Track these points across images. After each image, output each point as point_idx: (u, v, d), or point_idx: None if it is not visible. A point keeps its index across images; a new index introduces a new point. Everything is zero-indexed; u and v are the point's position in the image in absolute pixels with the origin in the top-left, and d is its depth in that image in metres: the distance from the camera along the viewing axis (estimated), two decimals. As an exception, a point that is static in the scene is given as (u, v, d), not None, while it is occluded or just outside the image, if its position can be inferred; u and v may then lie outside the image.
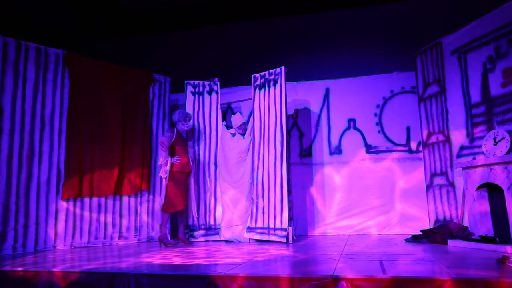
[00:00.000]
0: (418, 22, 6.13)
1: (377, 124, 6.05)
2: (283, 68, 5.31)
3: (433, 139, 5.29)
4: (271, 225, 5.08)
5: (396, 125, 5.96)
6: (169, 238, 5.28)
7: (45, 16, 6.76)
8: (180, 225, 5.36)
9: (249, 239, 5.27)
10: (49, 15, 6.80)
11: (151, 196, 5.85)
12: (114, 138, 5.54)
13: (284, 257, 3.70)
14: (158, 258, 3.84)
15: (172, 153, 5.27)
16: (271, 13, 6.91)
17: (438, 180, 5.18)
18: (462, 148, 4.86)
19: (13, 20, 6.35)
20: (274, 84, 5.38)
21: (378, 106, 6.07)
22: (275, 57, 6.32)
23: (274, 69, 5.40)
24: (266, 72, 5.50)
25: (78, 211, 5.21)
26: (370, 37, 6.42)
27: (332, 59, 6.57)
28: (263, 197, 5.26)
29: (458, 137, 4.91)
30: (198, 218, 5.58)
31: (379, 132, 6.02)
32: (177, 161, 5.19)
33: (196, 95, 5.90)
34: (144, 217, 5.79)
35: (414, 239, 4.68)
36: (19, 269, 3.29)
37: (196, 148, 5.74)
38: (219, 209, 5.62)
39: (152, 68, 6.25)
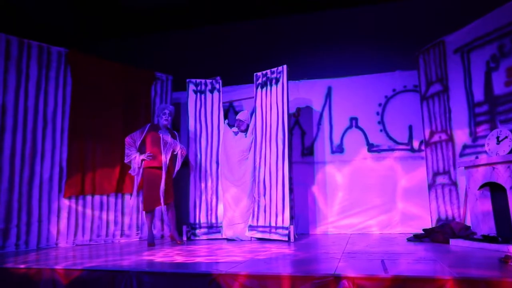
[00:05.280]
0: (421, 21, 6.09)
1: (379, 122, 6.03)
2: (285, 66, 5.29)
3: (436, 138, 5.28)
4: (273, 224, 5.08)
5: (398, 124, 5.94)
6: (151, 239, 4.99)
7: (47, 15, 6.76)
8: (170, 223, 5.14)
9: (251, 237, 5.28)
10: (51, 14, 6.80)
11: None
12: (116, 136, 5.53)
13: (286, 256, 3.69)
14: (159, 256, 3.83)
15: (143, 150, 5.06)
16: (273, 12, 6.89)
17: (441, 179, 5.17)
18: (465, 147, 4.85)
19: (15, 19, 6.35)
20: (276, 83, 5.37)
21: (380, 104, 6.05)
22: (277, 55, 6.27)
23: (276, 68, 5.39)
24: (268, 71, 5.49)
25: (80, 208, 5.22)
26: (372, 36, 6.39)
27: (334, 57, 6.54)
28: (264, 195, 5.26)
29: (461, 136, 4.89)
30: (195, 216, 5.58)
31: (381, 131, 6.00)
32: (149, 158, 4.95)
33: (198, 94, 5.89)
34: (146, 215, 5.78)
35: (416, 238, 4.66)
36: (22, 266, 3.30)
37: (198, 146, 5.74)
38: (220, 208, 5.62)
39: (154, 67, 6.25)
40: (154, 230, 5.79)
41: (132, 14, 7.05)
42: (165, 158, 4.98)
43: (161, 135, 5.02)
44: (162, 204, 4.90)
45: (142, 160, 4.99)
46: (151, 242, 4.91)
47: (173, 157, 5.16)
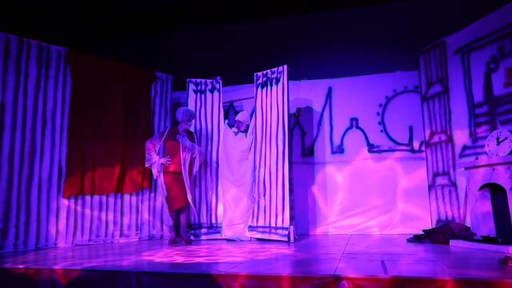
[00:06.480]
0: (422, 21, 6.08)
1: (379, 123, 6.02)
2: (285, 66, 5.28)
3: (436, 138, 5.28)
4: (273, 224, 5.07)
5: (399, 124, 5.93)
6: (173, 237, 5.17)
7: (48, 15, 6.74)
8: (181, 223, 5.29)
9: (251, 238, 5.26)
10: (51, 14, 6.78)
11: (152, 194, 5.85)
12: (115, 136, 5.53)
13: (286, 256, 3.69)
14: (159, 256, 3.83)
15: (162, 154, 5.28)
16: (273, 12, 6.87)
17: (441, 180, 5.17)
18: (464, 148, 4.85)
19: (16, 19, 6.33)
20: (277, 83, 5.36)
21: (380, 105, 6.04)
22: (278, 55, 6.26)
23: (277, 68, 5.38)
24: (269, 71, 5.48)
25: (79, 208, 5.21)
26: (373, 36, 6.37)
27: (334, 58, 6.53)
28: (264, 195, 5.25)
29: (461, 137, 4.90)
30: (198, 216, 5.57)
31: (381, 131, 5.99)
32: (168, 162, 5.08)
33: (198, 93, 5.88)
34: (145, 215, 5.78)
35: (416, 239, 4.66)
36: (21, 266, 3.28)
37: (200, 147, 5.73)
38: (220, 208, 5.61)
39: (154, 66, 6.24)
40: (154, 230, 5.83)
41: (132, 13, 7.03)
42: (184, 162, 5.09)
43: (180, 140, 5.10)
44: (190, 199, 5.07)
45: (162, 164, 5.11)
46: (173, 240, 5.04)
47: (192, 159, 5.26)
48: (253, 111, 5.67)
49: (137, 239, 5.66)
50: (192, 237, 5.46)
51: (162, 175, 5.14)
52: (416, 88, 5.86)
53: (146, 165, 5.18)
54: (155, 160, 5.11)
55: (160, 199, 5.72)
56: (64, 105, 5.18)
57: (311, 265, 3.24)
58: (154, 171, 5.14)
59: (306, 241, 5.06)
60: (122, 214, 5.60)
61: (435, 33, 5.31)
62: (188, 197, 5.07)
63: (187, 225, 5.45)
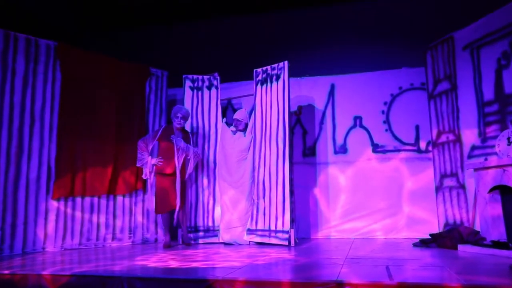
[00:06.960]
0: (429, 16, 6.03)
1: (384, 122, 5.93)
2: (286, 62, 5.22)
3: (443, 138, 5.19)
4: (272, 227, 4.98)
5: (405, 123, 5.85)
6: (168, 240, 5.09)
7: (41, 9, 6.66)
8: (182, 225, 5.23)
9: (249, 241, 5.17)
10: (45, 8, 6.71)
11: (146, 196, 5.76)
12: (108, 135, 5.42)
13: (286, 261, 3.65)
14: (153, 261, 3.77)
15: (156, 154, 5.25)
16: (274, 6, 6.81)
17: (448, 182, 5.08)
18: (473, 148, 4.77)
19: (8, 14, 6.23)
20: (277, 80, 5.29)
21: (385, 103, 5.95)
22: (278, 51, 6.24)
23: (277, 64, 5.32)
24: (269, 67, 5.41)
25: (69, 211, 5.09)
26: (377, 31, 6.31)
27: (337, 54, 6.47)
28: (264, 197, 5.16)
29: (470, 136, 4.82)
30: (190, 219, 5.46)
31: (386, 130, 5.90)
32: (159, 163, 5.01)
33: (195, 90, 5.80)
34: (139, 218, 5.68)
35: (422, 243, 4.59)
36: (6, 272, 3.20)
37: (194, 145, 5.60)
38: (218, 210, 5.52)
39: (150, 62, 6.15)
40: (148, 233, 5.76)
41: (127, 7, 6.94)
42: (178, 164, 5.03)
43: (174, 140, 5.02)
44: (177, 207, 4.96)
45: (153, 164, 5.06)
46: (167, 244, 4.94)
47: (186, 160, 5.19)
48: (252, 109, 5.59)
49: (130, 243, 5.56)
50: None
51: (152, 176, 5.08)
52: (422, 85, 5.79)
53: (138, 165, 5.15)
54: (147, 160, 5.06)
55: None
56: (54, 102, 5.07)
57: (312, 270, 3.19)
58: (145, 171, 5.09)
59: (307, 245, 5.02)
60: (114, 216, 5.48)
61: (442, 28, 5.23)
62: (177, 199, 4.96)
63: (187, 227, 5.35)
